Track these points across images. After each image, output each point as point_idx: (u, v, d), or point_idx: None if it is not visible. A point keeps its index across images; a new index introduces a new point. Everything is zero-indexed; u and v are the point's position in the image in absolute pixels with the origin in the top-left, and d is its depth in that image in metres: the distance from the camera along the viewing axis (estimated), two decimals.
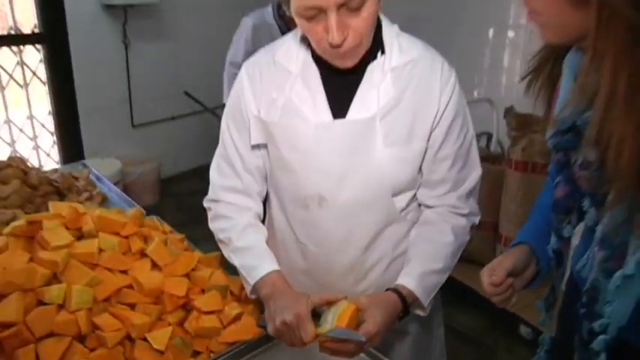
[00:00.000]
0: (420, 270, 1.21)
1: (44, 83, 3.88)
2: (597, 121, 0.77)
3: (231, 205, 1.33)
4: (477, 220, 1.32)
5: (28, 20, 3.69)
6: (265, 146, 1.29)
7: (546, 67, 0.96)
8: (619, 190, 0.80)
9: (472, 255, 2.80)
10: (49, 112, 3.97)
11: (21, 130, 3.83)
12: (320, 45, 1.13)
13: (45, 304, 1.16)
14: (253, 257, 1.25)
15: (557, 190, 0.99)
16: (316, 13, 1.06)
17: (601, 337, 0.90)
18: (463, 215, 1.28)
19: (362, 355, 1.17)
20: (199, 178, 4.81)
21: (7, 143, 3.76)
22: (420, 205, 1.32)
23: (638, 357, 0.97)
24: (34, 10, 3.68)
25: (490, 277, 1.05)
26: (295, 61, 1.24)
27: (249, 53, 3.74)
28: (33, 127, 3.90)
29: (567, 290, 1.18)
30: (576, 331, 0.98)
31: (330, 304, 1.12)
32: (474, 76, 3.47)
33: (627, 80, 0.73)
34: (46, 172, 2.13)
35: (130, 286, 1.27)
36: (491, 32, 3.30)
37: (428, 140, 1.22)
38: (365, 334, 1.06)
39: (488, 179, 2.93)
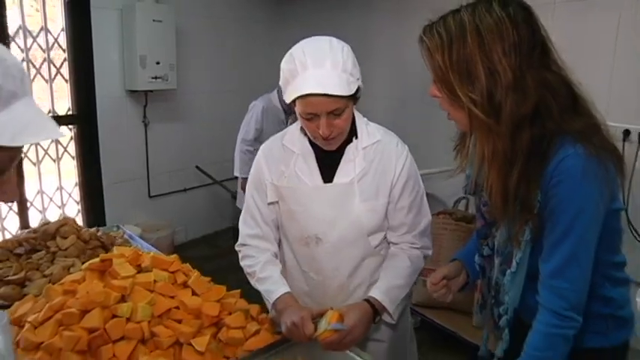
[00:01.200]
0: (386, 285, 1.69)
1: (73, 158, 4.38)
2: (475, 174, 1.26)
3: (254, 248, 1.83)
4: (429, 252, 1.82)
5: (64, 104, 4.24)
6: (277, 203, 1.79)
7: (465, 142, 1.44)
8: (498, 217, 1.28)
9: (455, 304, 3.22)
10: (76, 184, 4.44)
11: (51, 199, 4.29)
12: (314, 135, 1.67)
13: (117, 317, 1.59)
14: (271, 284, 1.74)
15: (477, 223, 1.46)
16: (313, 117, 1.59)
17: (504, 317, 1.34)
18: (417, 248, 1.79)
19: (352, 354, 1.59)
20: (208, 244, 5.24)
21: (39, 211, 4.21)
22: (388, 243, 1.79)
23: (528, 330, 1.38)
24: (69, 96, 4.23)
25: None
26: (297, 145, 1.78)
27: (258, 131, 4.36)
28: (62, 197, 4.37)
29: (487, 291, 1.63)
30: (490, 316, 1.42)
31: (322, 314, 1.58)
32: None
33: (489, 150, 1.22)
34: (91, 231, 2.57)
35: (177, 307, 1.70)
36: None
37: (389, 196, 1.73)
38: (347, 327, 1.53)
39: (466, 236, 3.39)
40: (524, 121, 1.21)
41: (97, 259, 1.76)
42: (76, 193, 4.45)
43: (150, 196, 4.78)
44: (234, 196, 4.86)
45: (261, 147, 1.86)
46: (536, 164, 1.22)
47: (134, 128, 4.58)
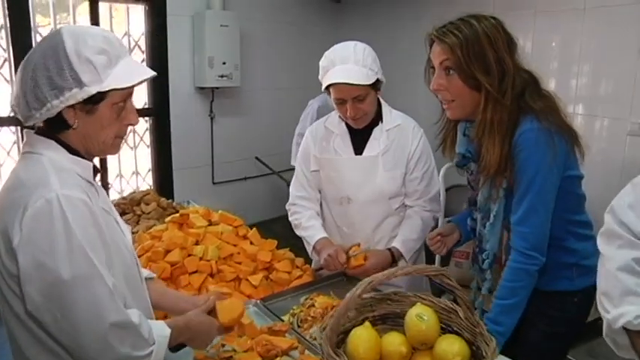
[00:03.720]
0: (402, 238, 2.15)
1: (148, 146, 4.94)
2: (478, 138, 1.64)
3: (301, 206, 2.32)
4: (437, 214, 2.26)
5: (140, 99, 4.79)
6: (318, 171, 2.26)
7: (448, 135, 1.84)
8: (484, 177, 1.66)
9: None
10: (149, 170, 5.00)
11: (128, 182, 4.87)
12: (345, 116, 2.13)
13: (192, 255, 2.06)
14: (313, 230, 2.23)
15: (468, 193, 1.85)
16: (342, 101, 2.06)
17: (486, 260, 1.73)
18: (427, 211, 2.23)
19: None
20: (265, 229, 5.68)
21: (117, 192, 4.79)
22: (405, 206, 2.23)
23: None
24: (146, 91, 4.79)
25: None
26: (336, 126, 2.24)
27: None
28: (137, 181, 4.93)
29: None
30: (476, 262, 1.81)
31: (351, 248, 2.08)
32: None
33: (497, 119, 1.60)
34: (168, 201, 3.08)
35: (239, 253, 2.15)
36: None
37: (406, 167, 2.18)
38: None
39: None
40: (516, 98, 1.62)
41: (177, 214, 2.24)
42: (149, 178, 5.01)
43: (213, 183, 5.29)
44: (289, 185, 5.31)
45: (309, 128, 2.35)
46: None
47: (201, 121, 5.09)
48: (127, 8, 4.57)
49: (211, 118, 5.13)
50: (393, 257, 2.14)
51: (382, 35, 5.11)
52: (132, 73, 1.32)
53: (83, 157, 1.33)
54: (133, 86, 1.33)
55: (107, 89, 1.27)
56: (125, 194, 4.85)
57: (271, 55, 5.47)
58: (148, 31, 4.65)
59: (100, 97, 1.27)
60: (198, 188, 5.16)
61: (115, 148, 1.39)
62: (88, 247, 1.17)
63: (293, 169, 5.01)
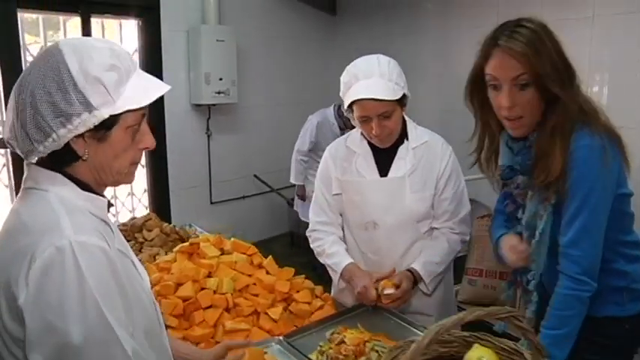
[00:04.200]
0: (424, 260, 2.00)
1: (143, 166, 4.76)
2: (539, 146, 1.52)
3: (323, 232, 2.14)
4: (466, 237, 2.10)
5: None
6: (340, 194, 2.08)
7: (484, 147, 1.71)
8: (539, 184, 1.53)
9: (501, 302, 3.40)
10: (145, 190, 4.83)
11: (123, 204, 4.69)
12: (369, 135, 1.97)
13: (205, 289, 1.89)
14: (338, 257, 2.06)
15: (508, 207, 1.71)
16: (366, 119, 1.89)
17: (532, 281, 1.59)
18: (456, 233, 2.06)
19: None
20: (265, 248, 5.53)
21: (112, 214, 4.60)
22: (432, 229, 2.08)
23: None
24: None
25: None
26: (358, 145, 2.07)
27: (312, 144, 4.78)
28: (132, 202, 4.76)
29: None
30: (520, 283, 1.67)
31: (383, 277, 1.92)
32: None
33: (564, 118, 1.48)
34: (171, 226, 2.91)
35: (255, 284, 1.99)
36: None
37: (435, 188, 2.01)
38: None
39: None
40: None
41: (186, 244, 2.07)
42: (145, 199, 4.84)
43: (211, 202, 5.12)
44: (289, 203, 5.17)
45: (328, 148, 2.17)
46: None
47: (198, 139, 4.94)
48: (120, 24, 4.42)
49: (208, 136, 4.99)
50: (415, 280, 1.98)
51: (378, 46, 4.96)
52: (147, 89, 1.15)
53: (95, 192, 1.15)
54: (147, 105, 1.16)
55: (120, 111, 1.09)
56: (120, 216, 4.74)
57: (268, 70, 5.34)
58: (141, 47, 4.51)
59: (112, 121, 1.09)
60: (195, 209, 5.00)
61: (130, 177, 1.22)
62: (105, 306, 0.99)
63: (292, 186, 4.96)
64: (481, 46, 1.56)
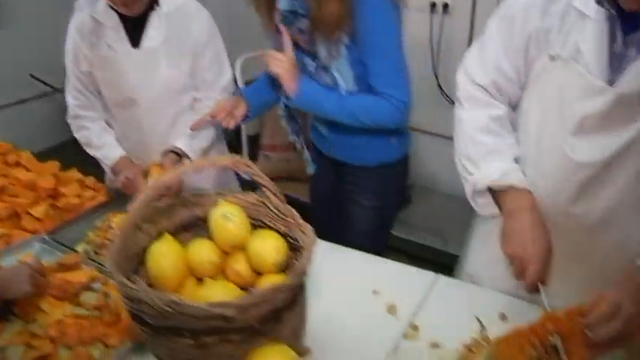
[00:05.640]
0: (188, 135, 1.96)
1: None
2: None
3: (87, 118, 2.00)
4: None
5: None
6: (91, 72, 1.93)
7: None
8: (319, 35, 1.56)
9: None
10: None
11: None
12: (113, 1, 1.76)
13: None
14: (108, 150, 1.97)
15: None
16: None
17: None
18: None
19: None
20: (55, 158, 5.09)
21: None
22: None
23: None
24: None
25: None
26: (105, 16, 1.84)
27: None
28: None
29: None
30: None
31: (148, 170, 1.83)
32: None
33: None
34: None
35: (12, 184, 1.81)
36: None
37: (192, 55, 1.92)
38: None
39: None
40: None
41: None
42: None
43: None
44: None
45: (72, 20, 1.93)
46: None
47: None
48: None
49: None
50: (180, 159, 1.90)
51: None
52: None
53: None
54: None
55: None
56: None
57: None
58: None
59: None
60: None
61: None
62: None
63: None
64: None
